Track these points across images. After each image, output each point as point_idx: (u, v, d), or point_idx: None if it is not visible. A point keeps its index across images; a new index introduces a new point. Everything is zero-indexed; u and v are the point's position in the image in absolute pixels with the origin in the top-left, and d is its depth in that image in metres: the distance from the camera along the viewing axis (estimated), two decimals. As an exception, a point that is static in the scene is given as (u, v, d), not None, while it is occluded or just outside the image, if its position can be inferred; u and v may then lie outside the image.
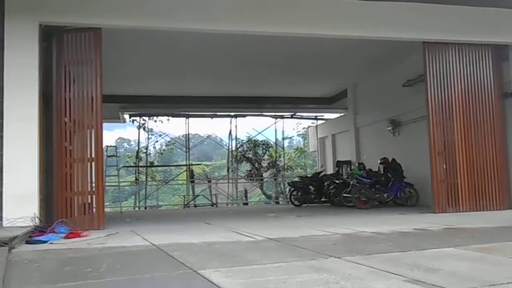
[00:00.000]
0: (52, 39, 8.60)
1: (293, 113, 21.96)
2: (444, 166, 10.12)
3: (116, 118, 18.45)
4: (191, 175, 22.41)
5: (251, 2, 9.19)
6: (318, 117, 21.70)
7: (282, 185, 22.96)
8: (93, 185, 8.53)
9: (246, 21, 9.15)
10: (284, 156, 24.17)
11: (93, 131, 8.56)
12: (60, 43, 8.62)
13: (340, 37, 9.88)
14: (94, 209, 8.49)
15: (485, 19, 10.15)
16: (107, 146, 16.86)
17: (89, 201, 8.54)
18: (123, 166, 22.84)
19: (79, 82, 8.61)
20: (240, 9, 9.06)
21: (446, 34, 10.06)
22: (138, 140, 22.46)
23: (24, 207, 7.51)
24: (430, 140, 10.12)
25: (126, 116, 20.18)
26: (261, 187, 24.51)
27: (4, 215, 7.45)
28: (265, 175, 23.89)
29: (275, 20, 9.13)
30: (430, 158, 10.12)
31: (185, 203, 21.16)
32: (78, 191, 8.42)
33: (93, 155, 8.51)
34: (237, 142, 22.97)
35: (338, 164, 17.43)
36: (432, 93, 10.17)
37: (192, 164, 22.96)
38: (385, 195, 13.04)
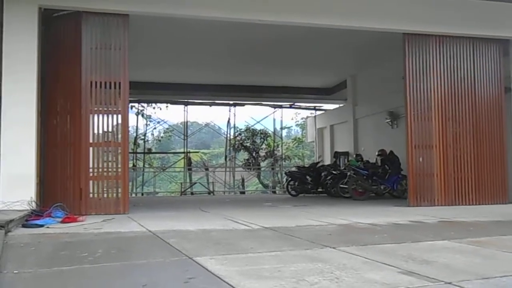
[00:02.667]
0: (80, 21, 8.52)
1: (292, 103, 21.93)
2: (421, 159, 10.03)
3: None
4: (189, 163, 22.41)
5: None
6: (317, 107, 21.67)
7: (279, 175, 22.99)
8: (120, 169, 8.56)
9: (246, 9, 9.10)
10: (282, 146, 24.17)
11: (119, 116, 8.58)
12: (87, 26, 8.56)
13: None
14: (119, 194, 8.51)
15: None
16: (105, 132, 16.80)
17: (116, 185, 8.57)
18: (121, 152, 22.76)
19: (105, 67, 8.56)
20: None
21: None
22: (136, 126, 22.43)
23: (21, 190, 7.52)
24: (408, 133, 9.99)
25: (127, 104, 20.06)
26: (258, 176, 24.53)
27: (0, 198, 7.45)
28: (262, 164, 23.91)
29: (268, 8, 9.11)
30: (407, 151, 10.04)
31: (182, 190, 21.18)
32: (103, 175, 8.50)
33: (119, 140, 8.62)
34: (235, 131, 22.97)
35: (336, 155, 17.46)
36: (410, 86, 10.02)
37: (189, 152, 22.95)
38: (382, 187, 13.08)
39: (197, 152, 27.32)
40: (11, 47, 7.86)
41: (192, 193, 21.02)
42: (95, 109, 8.51)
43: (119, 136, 8.66)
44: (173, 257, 4.28)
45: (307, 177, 15.11)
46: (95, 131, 8.54)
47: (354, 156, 15.25)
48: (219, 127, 25.12)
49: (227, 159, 22.91)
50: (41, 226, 6.42)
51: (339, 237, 5.57)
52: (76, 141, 8.45)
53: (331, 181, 14.25)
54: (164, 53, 13.91)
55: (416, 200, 9.90)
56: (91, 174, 8.43)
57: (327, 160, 18.83)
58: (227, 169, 22.57)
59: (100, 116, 8.54)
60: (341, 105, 19.23)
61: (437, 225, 6.83)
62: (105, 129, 8.59)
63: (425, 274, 3.55)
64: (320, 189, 15.12)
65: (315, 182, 15.04)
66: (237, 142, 22.93)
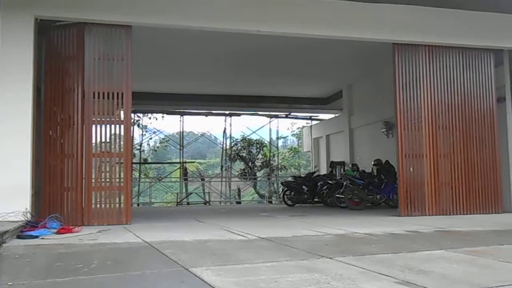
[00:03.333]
0: (83, 32, 8.57)
1: (288, 113, 21.98)
2: (411, 169, 10.02)
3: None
4: (185, 173, 22.37)
5: (246, 1, 9.20)
6: (313, 117, 21.74)
7: (275, 185, 22.97)
8: (122, 180, 8.58)
9: (242, 20, 9.16)
10: (278, 156, 24.20)
11: (122, 126, 8.63)
12: (90, 37, 8.61)
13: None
14: (122, 205, 8.53)
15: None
16: (101, 142, 16.76)
17: (117, 196, 8.60)
18: (117, 162, 22.72)
19: (108, 78, 8.62)
20: (234, 8, 9.07)
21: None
22: (132, 136, 22.37)
23: (15, 201, 7.46)
24: (398, 143, 9.98)
25: (121, 112, 20.07)
26: (255, 186, 24.52)
27: (-5, 209, 7.40)
28: (258, 174, 23.90)
29: (263, 19, 9.18)
30: (397, 160, 10.03)
31: (178, 200, 21.12)
32: (105, 185, 8.55)
33: (122, 150, 8.67)
34: (231, 141, 22.97)
35: (332, 164, 17.46)
36: (401, 95, 10.04)
37: (185, 162, 22.91)
38: (378, 197, 13.08)
39: (193, 162, 27.27)
40: (7, 58, 7.84)
41: (188, 203, 20.98)
42: (98, 119, 8.57)
43: (122, 146, 8.69)
44: (169, 268, 4.25)
45: (303, 187, 15.08)
46: (98, 141, 8.59)
47: (350, 166, 15.27)
48: (215, 137, 25.15)
49: (223, 169, 22.88)
50: (36, 237, 6.38)
51: (336, 247, 5.55)
52: (78, 151, 8.43)
53: (327, 191, 14.22)
54: (160, 64, 13.92)
55: (406, 209, 9.86)
56: (93, 185, 8.44)
57: (323, 170, 18.82)
58: (223, 179, 22.54)
59: (103, 126, 8.60)
60: (337, 115, 19.28)
61: (433, 235, 6.83)
62: (108, 140, 8.64)
63: (422, 284, 3.54)
64: (316, 199, 15.08)
65: (311, 192, 15.01)
66: (233, 152, 22.93)
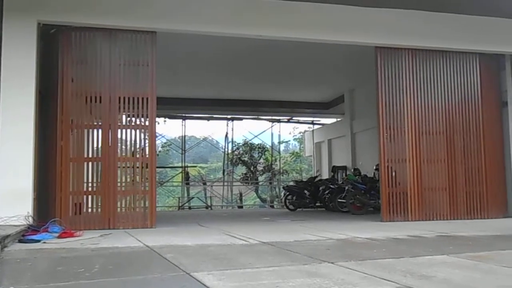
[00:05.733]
0: (110, 38, 8.70)
1: (289, 117, 21.98)
2: (394, 174, 9.92)
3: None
4: (187, 177, 22.37)
5: (245, 6, 9.22)
6: (314, 122, 21.74)
7: (277, 189, 22.95)
8: (147, 184, 8.76)
9: (243, 25, 9.19)
10: (279, 160, 24.18)
11: (146, 131, 8.84)
12: (117, 43, 8.74)
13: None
14: (147, 209, 8.68)
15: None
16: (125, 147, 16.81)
17: (142, 200, 8.77)
18: (119, 166, 22.73)
19: (130, 83, 8.73)
20: (233, 12, 9.11)
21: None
22: (134, 140, 22.38)
23: (18, 205, 7.47)
24: (380, 147, 9.89)
25: (123, 117, 20.10)
26: (256, 191, 24.49)
27: (-3, 213, 7.41)
28: (260, 178, 23.87)
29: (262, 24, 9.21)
30: (380, 166, 9.95)
31: (180, 205, 21.11)
32: (130, 189, 8.73)
33: (147, 155, 8.90)
34: (233, 145, 22.97)
35: (334, 169, 17.46)
36: (383, 99, 9.97)
37: (187, 166, 22.91)
38: (380, 201, 13.02)
39: (195, 166, 27.28)
40: (10, 63, 7.86)
41: (190, 208, 20.95)
42: (123, 124, 8.78)
43: (147, 150, 8.90)
44: (171, 273, 4.24)
45: (305, 191, 15.07)
46: (122, 146, 8.81)
47: (352, 170, 15.25)
48: (217, 141, 25.18)
49: (225, 173, 22.88)
50: (38, 241, 6.38)
51: (338, 252, 5.54)
52: (105, 155, 8.60)
53: (329, 196, 14.22)
54: (162, 68, 13.92)
55: (389, 215, 9.75)
56: (119, 189, 8.58)
57: (325, 175, 18.81)
58: (225, 184, 22.52)
59: (128, 131, 8.83)
60: (338, 119, 19.28)
61: (435, 240, 6.81)
62: (133, 144, 8.88)
63: (424, 289, 3.53)
64: (318, 204, 15.07)
65: (313, 197, 15.00)
66: (235, 157, 22.92)
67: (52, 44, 8.66)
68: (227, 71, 14.51)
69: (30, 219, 7.49)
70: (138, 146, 8.91)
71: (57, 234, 6.92)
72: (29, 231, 6.98)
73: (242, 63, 13.51)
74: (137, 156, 8.88)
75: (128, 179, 8.76)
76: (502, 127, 10.68)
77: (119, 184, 8.60)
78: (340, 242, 6.48)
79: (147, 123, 8.81)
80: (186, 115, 20.71)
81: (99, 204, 8.53)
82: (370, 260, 4.85)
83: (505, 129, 10.65)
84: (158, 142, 24.01)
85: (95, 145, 8.81)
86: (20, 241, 6.38)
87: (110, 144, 8.59)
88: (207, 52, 12.33)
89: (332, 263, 4.62)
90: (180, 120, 21.14)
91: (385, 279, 3.86)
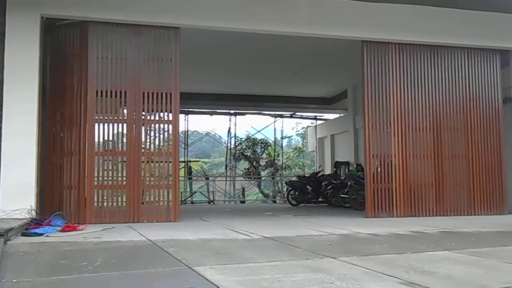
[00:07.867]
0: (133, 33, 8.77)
1: (292, 113, 21.95)
2: (379, 169, 9.82)
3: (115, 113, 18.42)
4: (189, 172, 22.39)
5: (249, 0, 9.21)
6: (317, 117, 21.69)
7: (279, 184, 22.95)
8: (170, 178, 8.82)
9: (248, 19, 9.17)
10: (282, 155, 24.17)
11: (170, 126, 8.88)
12: (141, 38, 8.81)
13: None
14: (170, 203, 8.76)
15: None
16: (106, 141, 16.81)
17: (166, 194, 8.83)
18: (121, 161, 22.77)
19: (155, 78, 8.80)
20: (236, 7, 9.09)
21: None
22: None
23: (21, 199, 7.51)
24: (365, 142, 9.78)
25: (125, 111, 20.11)
26: (259, 186, 24.49)
27: (0, 206, 7.44)
28: (263, 173, 23.88)
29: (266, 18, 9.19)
30: (365, 161, 9.87)
31: (182, 199, 21.13)
32: (154, 184, 8.82)
33: (170, 149, 8.96)
34: (236, 140, 22.97)
35: (336, 164, 17.43)
36: (369, 94, 9.80)
37: (190, 161, 22.93)
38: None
39: (198, 161, 27.29)
40: (13, 57, 7.88)
41: (192, 202, 20.98)
42: (148, 118, 8.86)
43: (170, 145, 8.95)
44: (173, 267, 4.26)
45: (308, 186, 15.07)
46: (147, 141, 8.94)
47: (355, 166, 15.22)
48: (219, 136, 25.14)
49: (228, 168, 22.89)
50: (41, 234, 6.41)
51: (340, 247, 5.55)
52: (130, 150, 8.71)
53: (332, 191, 14.22)
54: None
55: (373, 211, 9.63)
56: (143, 183, 8.69)
57: (328, 170, 18.79)
58: (228, 179, 22.53)
59: (152, 126, 8.97)
60: (341, 114, 19.24)
61: (438, 236, 6.81)
62: (158, 139, 9.03)
63: (426, 285, 3.53)
64: (320, 199, 15.07)
65: (315, 192, 15.00)
66: (237, 152, 22.92)
67: (58, 38, 8.70)
68: (230, 66, 14.48)
69: (33, 213, 7.52)
70: (162, 140, 9.00)
71: (59, 228, 6.94)
72: (32, 224, 7.01)
73: (245, 57, 13.47)
74: (161, 150, 8.98)
75: (153, 173, 8.84)
76: (499, 123, 10.52)
77: (142, 178, 8.68)
78: (342, 237, 6.48)
79: (170, 117, 8.84)
80: (189, 109, 20.69)
81: (118, 198, 8.63)
82: (372, 255, 4.85)
83: (508, 125, 10.59)
84: (160, 136, 24.09)
85: (120, 140, 8.86)
86: (23, 235, 6.41)
87: (134, 139, 8.69)
88: (210, 48, 12.30)
89: (334, 258, 4.62)
90: (183, 115, 21.11)
91: (387, 275, 3.87)
